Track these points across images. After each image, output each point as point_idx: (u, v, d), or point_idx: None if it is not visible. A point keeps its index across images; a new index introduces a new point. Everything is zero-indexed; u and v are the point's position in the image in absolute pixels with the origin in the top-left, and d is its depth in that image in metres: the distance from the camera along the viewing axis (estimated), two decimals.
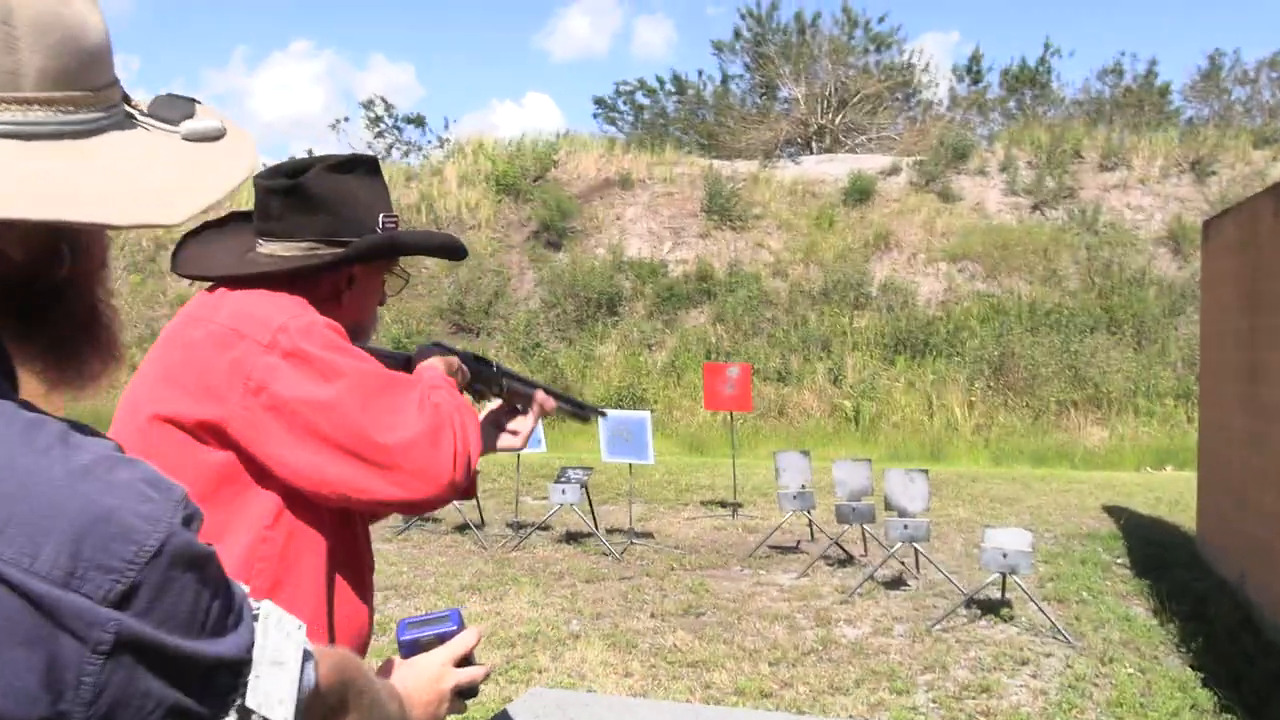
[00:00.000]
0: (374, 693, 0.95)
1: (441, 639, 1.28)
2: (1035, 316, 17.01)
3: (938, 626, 5.72)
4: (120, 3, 67.20)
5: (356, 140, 29.78)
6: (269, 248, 1.61)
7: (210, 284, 1.61)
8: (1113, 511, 9.32)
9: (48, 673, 0.62)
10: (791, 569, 7.15)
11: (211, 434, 1.43)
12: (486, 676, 1.31)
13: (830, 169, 21.26)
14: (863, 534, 7.53)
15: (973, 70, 26.11)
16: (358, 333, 1.66)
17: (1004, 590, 6.11)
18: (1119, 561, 7.45)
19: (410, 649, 1.28)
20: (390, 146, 28.51)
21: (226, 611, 0.72)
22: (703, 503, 9.79)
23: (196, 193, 0.75)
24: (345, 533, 1.57)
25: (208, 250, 1.66)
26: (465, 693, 1.27)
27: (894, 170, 20.61)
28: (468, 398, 1.85)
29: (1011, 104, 25.43)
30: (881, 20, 25.62)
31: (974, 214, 19.55)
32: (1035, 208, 19.29)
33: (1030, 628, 5.72)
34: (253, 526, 1.45)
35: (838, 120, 24.20)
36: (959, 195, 19.88)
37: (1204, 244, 7.98)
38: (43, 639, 0.62)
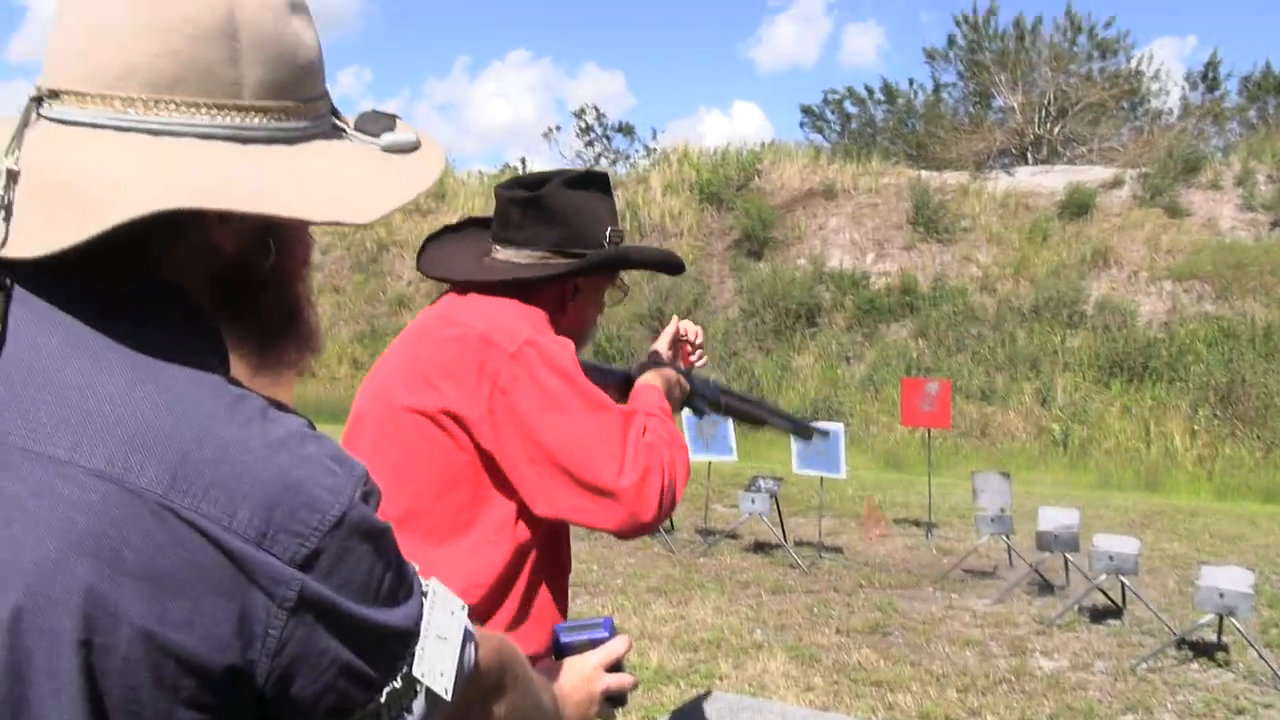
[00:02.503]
0: (530, 680, 0.99)
1: (594, 644, 1.32)
2: (1271, 342, 15.75)
3: (1144, 666, 5.39)
4: (353, 20, 71.43)
5: (567, 149, 30.63)
6: (505, 254, 1.73)
7: (450, 285, 1.75)
8: None
9: (240, 622, 0.68)
10: (986, 594, 6.89)
11: (460, 428, 1.55)
12: (635, 686, 1.35)
13: (1046, 181, 20.37)
14: (1065, 563, 7.18)
15: (1208, 77, 24.47)
16: (578, 339, 1.76)
17: (1220, 633, 5.69)
18: None
19: (564, 652, 1.32)
20: (599, 155, 29.19)
21: (399, 584, 0.77)
22: (896, 520, 9.56)
23: (386, 196, 0.81)
24: (556, 540, 1.66)
25: (446, 252, 1.81)
26: (615, 699, 1.31)
27: (1116, 183, 19.56)
28: (686, 414, 1.94)
29: (1252, 113, 23.68)
30: (1109, 25, 24.28)
31: (1204, 230, 18.31)
32: (1275, 224, 17.88)
33: (1249, 675, 5.31)
34: (489, 528, 1.56)
35: (1056, 130, 23.16)
36: (1188, 210, 18.66)
37: None
38: (238, 591, 0.68)
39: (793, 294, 18.63)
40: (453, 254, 1.80)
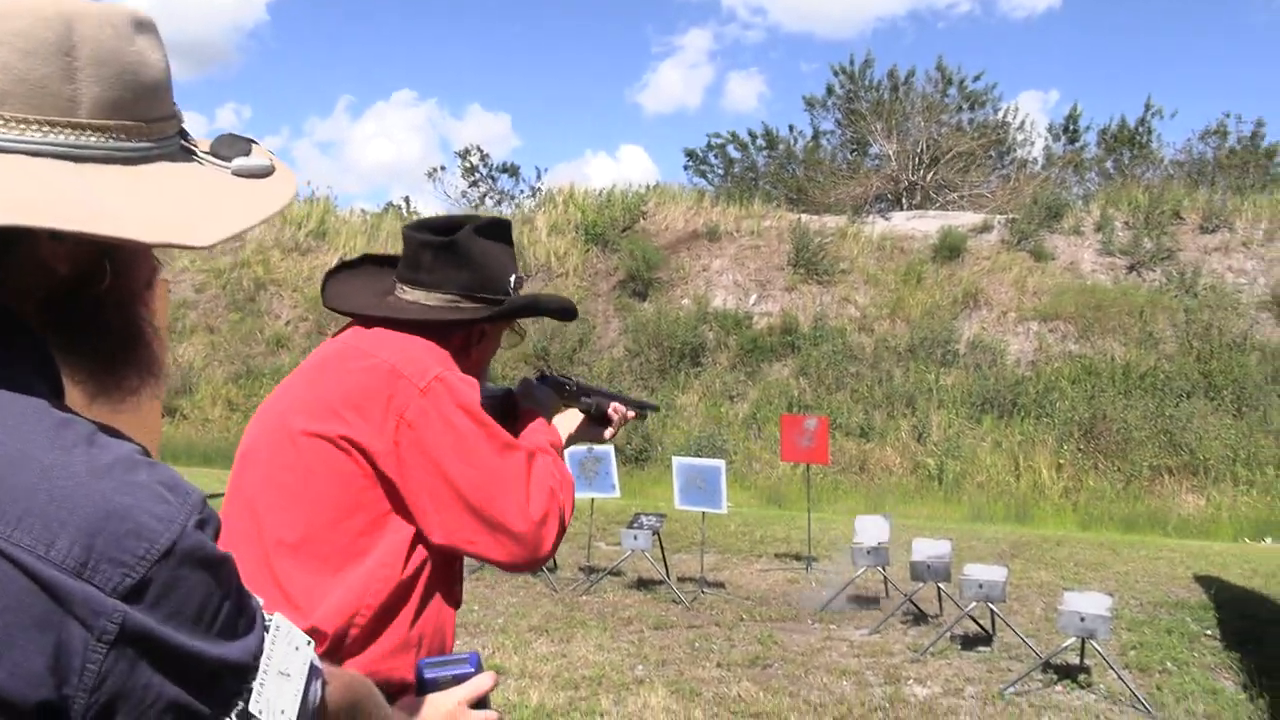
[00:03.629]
0: (385, 718, 0.97)
1: (458, 680, 1.32)
2: (1130, 379, 16.57)
3: (1011, 689, 5.56)
4: (231, 56, 70.00)
5: (452, 189, 30.49)
6: (412, 295, 1.75)
7: (354, 319, 1.76)
8: (1204, 581, 8.98)
9: (55, 656, 0.65)
10: (864, 625, 7.02)
11: (363, 456, 1.55)
12: None
13: (920, 225, 21.10)
14: (938, 593, 7.37)
15: (1070, 129, 25.75)
16: (477, 379, 1.77)
17: (1083, 656, 5.91)
18: (1208, 633, 7.16)
19: (426, 688, 1.31)
20: (484, 195, 29.13)
21: (237, 616, 0.74)
22: (777, 555, 9.69)
23: (228, 220, 0.79)
24: (449, 572, 1.66)
25: (349, 288, 1.82)
26: None
27: (986, 228, 20.38)
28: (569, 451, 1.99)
29: (1109, 164, 24.97)
30: (977, 78, 25.37)
31: (1067, 273, 19.19)
32: (1132, 269, 18.86)
33: (1109, 696, 5.52)
34: (383, 554, 1.55)
35: (929, 177, 24.03)
36: (1052, 254, 19.54)
37: None
38: (53, 623, 0.65)
39: (677, 333, 18.83)
40: (356, 290, 1.82)
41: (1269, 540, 12.81)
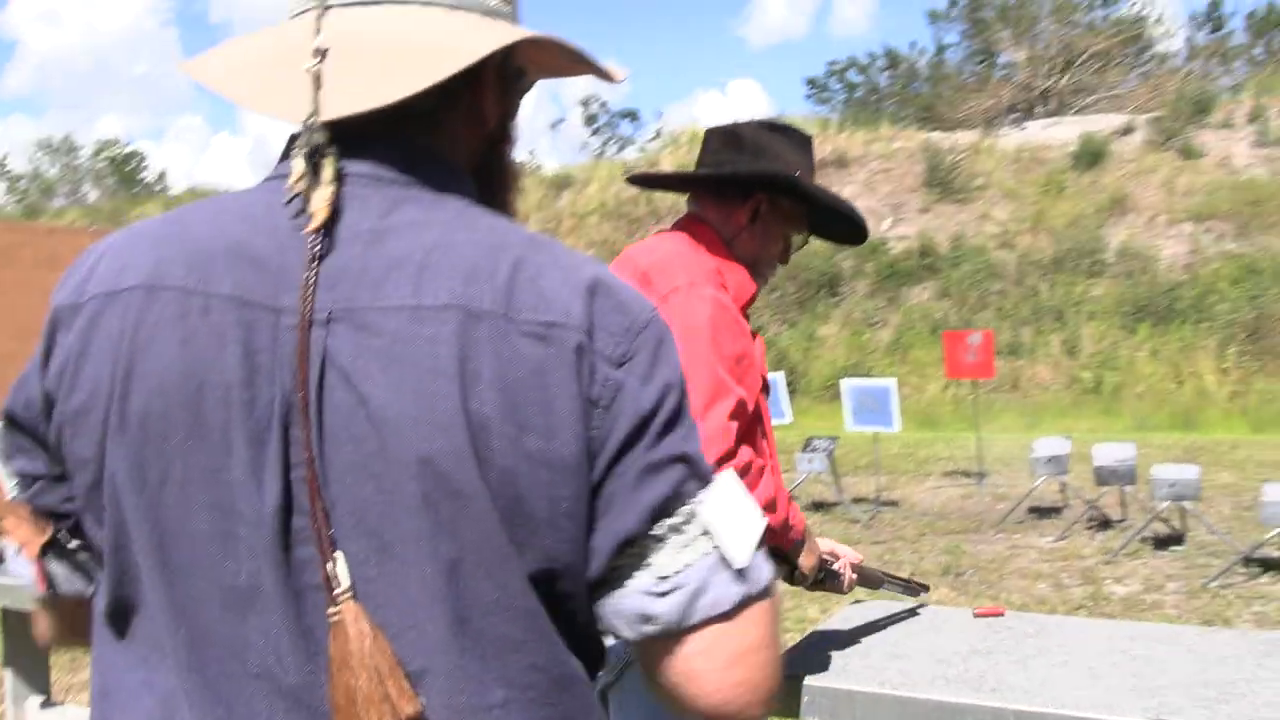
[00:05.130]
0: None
1: None
2: None
3: (1215, 583, 5.56)
4: None
5: (574, 139, 30.75)
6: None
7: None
8: None
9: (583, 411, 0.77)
10: (1049, 533, 7.06)
11: None
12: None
13: (1058, 133, 20.46)
14: (1121, 498, 7.34)
15: (1213, 17, 24.44)
16: (755, 269, 1.95)
17: None
18: None
19: None
20: (606, 142, 29.33)
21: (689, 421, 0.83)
22: (945, 473, 9.73)
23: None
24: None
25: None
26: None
27: (1128, 130, 19.64)
28: None
29: (1259, 50, 23.66)
30: None
31: (1220, 170, 18.38)
32: None
33: None
34: None
35: (1064, 82, 23.20)
36: (1202, 152, 18.73)
37: None
38: (581, 384, 0.77)
39: (813, 264, 18.76)
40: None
41: None
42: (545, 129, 66.96)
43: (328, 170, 0.78)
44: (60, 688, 4.52)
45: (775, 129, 1.95)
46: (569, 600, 0.78)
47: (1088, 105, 22.86)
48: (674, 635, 0.78)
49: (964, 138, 20.96)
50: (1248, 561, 5.81)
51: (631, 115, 29.74)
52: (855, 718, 2.01)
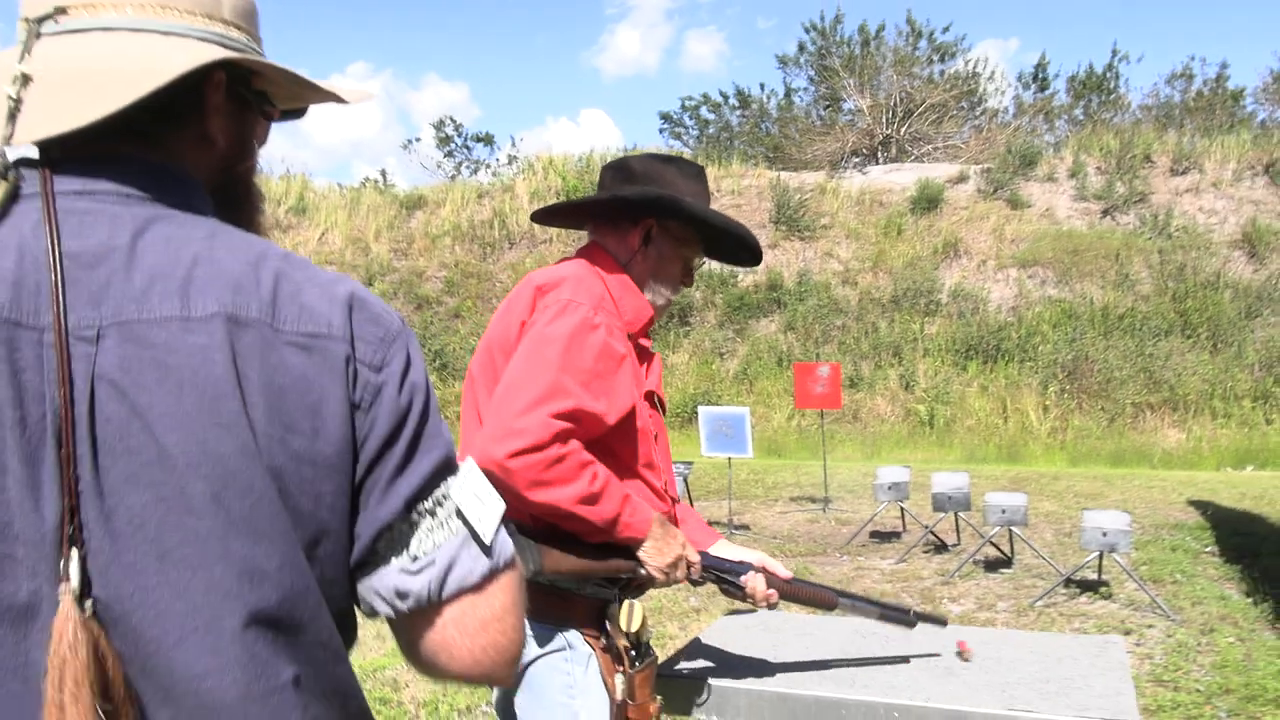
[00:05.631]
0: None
1: None
2: (1109, 320, 17.08)
3: (1040, 602, 5.99)
4: None
5: (428, 159, 30.52)
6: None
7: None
8: (1198, 505, 9.47)
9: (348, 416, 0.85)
10: (889, 556, 7.44)
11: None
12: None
13: (898, 178, 21.47)
14: (956, 522, 7.80)
15: (1039, 77, 26.17)
16: (653, 291, 2.08)
17: (1100, 571, 6.35)
18: (1208, 550, 7.63)
19: None
20: (460, 165, 29.20)
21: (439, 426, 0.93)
22: (792, 498, 10.10)
23: (347, 93, 1.02)
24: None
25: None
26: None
27: (961, 178, 20.78)
28: None
29: (1079, 111, 25.45)
30: (946, 30, 25.82)
31: (1043, 220, 19.64)
32: (1106, 213, 19.34)
33: (1130, 603, 5.97)
34: None
35: (903, 130, 24.40)
36: (1028, 202, 19.99)
37: None
38: (343, 387, 0.84)
39: None
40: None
41: (1251, 468, 13.37)
42: (396, 148, 65.99)
43: (28, 186, 0.83)
44: None
45: (666, 160, 2.11)
46: (333, 585, 0.85)
47: (925, 153, 24.12)
48: (429, 609, 0.87)
49: (810, 178, 21.78)
50: (1069, 583, 6.28)
51: (486, 139, 29.66)
52: (741, 713, 2.16)
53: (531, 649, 1.93)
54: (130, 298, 0.80)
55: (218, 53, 0.88)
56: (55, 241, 0.80)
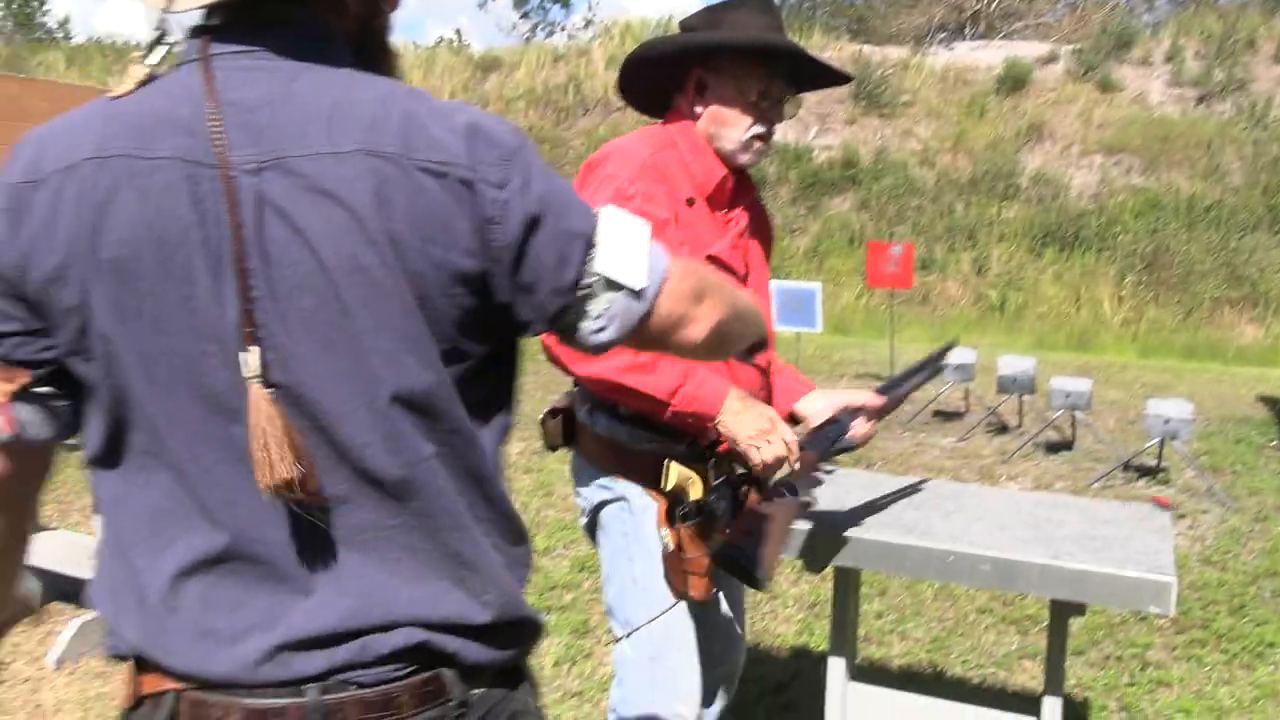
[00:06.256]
0: (725, 283, 1.23)
1: None
2: (1194, 212, 16.65)
3: (1097, 483, 6.14)
4: None
5: (503, 20, 30.12)
6: None
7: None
8: (1267, 401, 9.44)
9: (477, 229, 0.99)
10: (951, 434, 7.60)
11: None
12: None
13: (984, 56, 20.83)
14: (1019, 405, 7.90)
15: None
16: (722, 146, 2.06)
17: (1160, 458, 6.46)
18: (1272, 444, 7.66)
19: None
20: (535, 26, 28.84)
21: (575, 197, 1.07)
22: (857, 375, 10.25)
23: None
24: None
25: None
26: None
27: (1051, 58, 20.09)
28: None
29: None
30: None
31: (1134, 105, 19.01)
32: (1201, 100, 18.65)
33: (1186, 489, 6.09)
34: None
35: (993, 5, 23.52)
36: (1119, 85, 19.32)
37: None
38: (470, 207, 0.98)
39: None
40: None
41: None
42: (470, 7, 64.94)
43: (155, 54, 1.00)
44: (50, 513, 4.71)
45: (723, 5, 2.05)
46: (472, 372, 1.02)
47: (1015, 31, 23.29)
48: (626, 338, 1.07)
49: (894, 53, 21.22)
50: (1126, 467, 6.40)
51: (563, 1, 29.18)
52: (816, 554, 2.37)
53: (600, 494, 2.13)
54: (285, 137, 0.94)
55: None
56: (213, 92, 0.95)
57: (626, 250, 1.04)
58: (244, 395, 0.93)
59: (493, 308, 1.01)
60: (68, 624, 3.60)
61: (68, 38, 31.14)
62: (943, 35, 23.50)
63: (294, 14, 1.01)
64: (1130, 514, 2.64)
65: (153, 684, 1.01)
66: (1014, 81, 19.62)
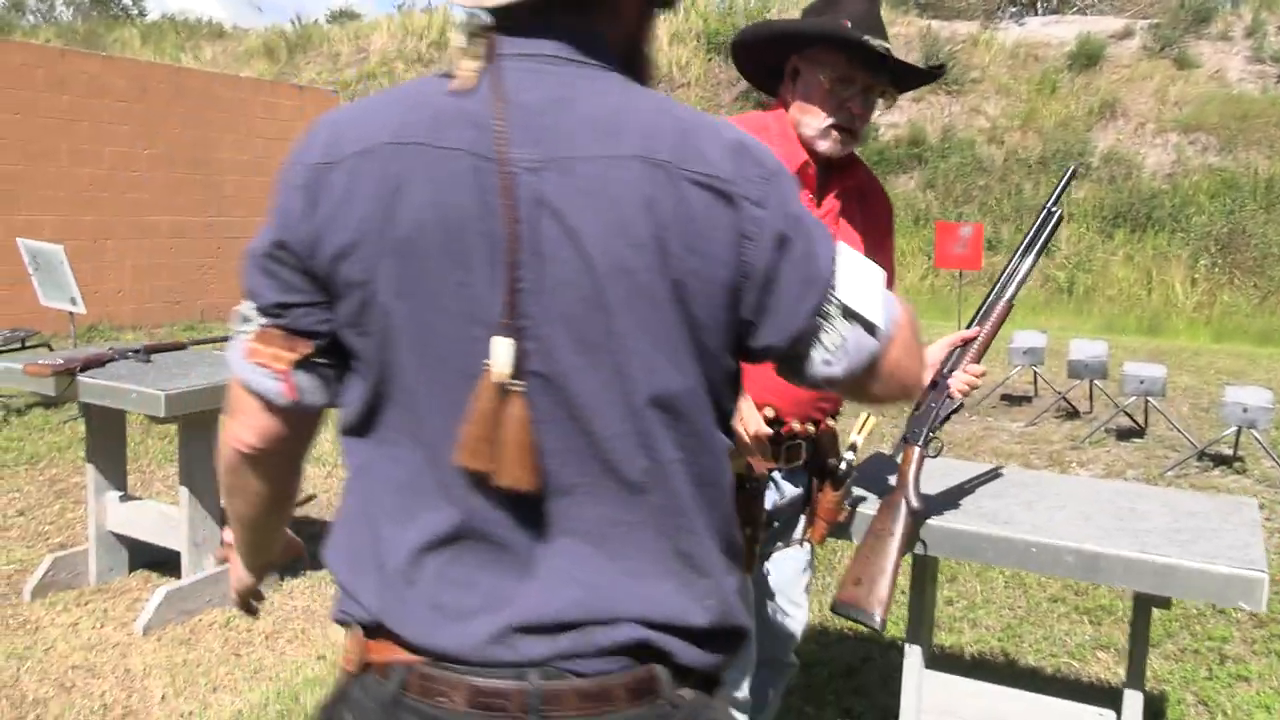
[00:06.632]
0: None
1: None
2: (1272, 193, 16.18)
3: (1171, 472, 6.03)
4: None
5: None
6: None
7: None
8: None
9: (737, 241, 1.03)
10: (1019, 419, 7.51)
11: None
12: None
13: (1057, 31, 20.39)
14: (1090, 390, 7.78)
15: None
16: (806, 132, 2.09)
17: (1236, 448, 6.33)
18: None
19: None
20: None
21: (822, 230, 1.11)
22: None
23: None
24: None
25: None
26: None
27: (1126, 34, 19.61)
28: None
29: None
30: None
31: (1212, 82, 18.50)
32: None
33: (1264, 479, 5.96)
34: None
35: None
36: (1197, 62, 18.80)
37: None
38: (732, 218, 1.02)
39: None
40: None
41: None
42: None
43: (479, 48, 1.03)
44: (134, 484, 4.86)
45: None
46: (713, 385, 1.06)
47: (1089, 5, 22.75)
48: (849, 379, 1.10)
49: (963, 28, 20.86)
50: (1202, 455, 6.28)
51: None
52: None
53: None
54: (565, 139, 0.99)
55: None
56: (502, 91, 1.00)
57: (865, 287, 1.08)
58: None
59: (740, 323, 1.05)
60: (154, 592, 3.71)
61: (142, 14, 31.75)
62: (1014, 9, 23.01)
63: (577, 23, 1.05)
64: (1217, 506, 2.59)
65: (382, 652, 1.05)
66: (1087, 58, 19.19)
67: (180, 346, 4.04)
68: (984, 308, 2.16)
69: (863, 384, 1.12)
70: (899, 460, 2.24)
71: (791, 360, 1.09)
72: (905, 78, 2.19)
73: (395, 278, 0.99)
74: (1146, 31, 19.41)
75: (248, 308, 1.07)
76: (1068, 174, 2.22)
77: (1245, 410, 5.78)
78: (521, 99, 1.00)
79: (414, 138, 1.00)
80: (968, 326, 2.18)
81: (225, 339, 4.74)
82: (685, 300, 1.00)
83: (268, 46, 25.21)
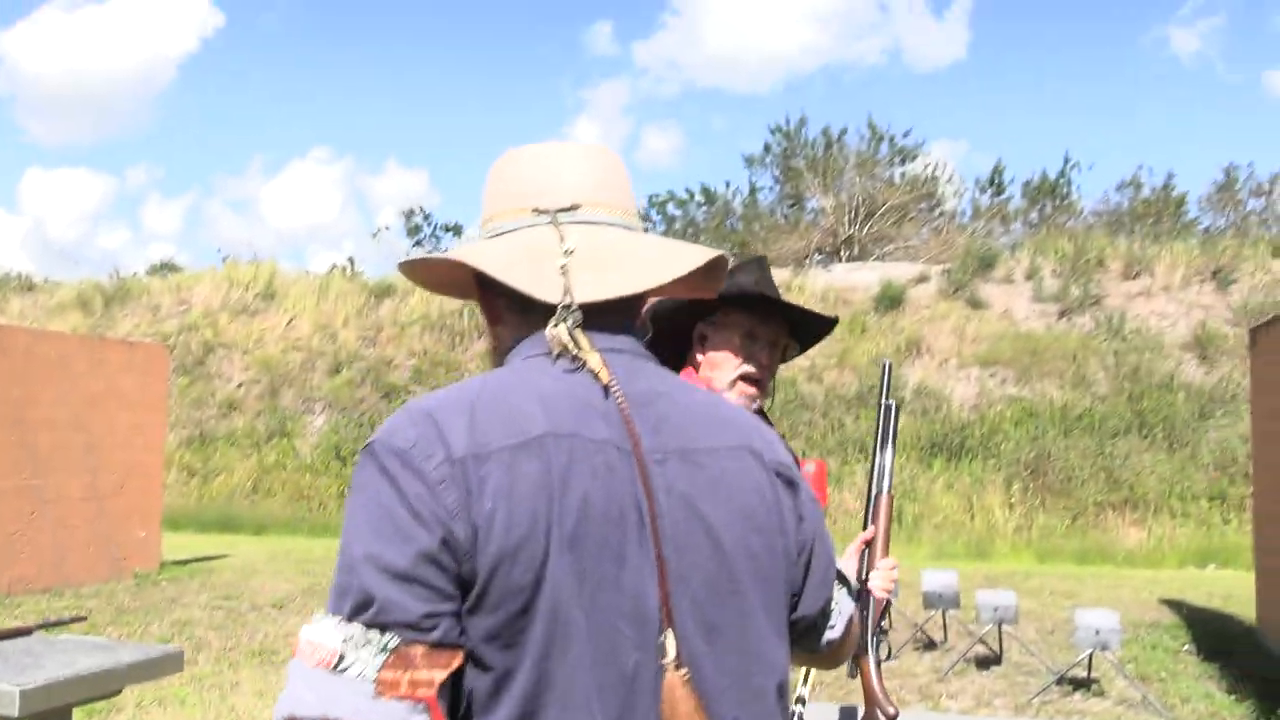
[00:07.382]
0: None
1: None
2: (1068, 420, 17.51)
3: (1037, 699, 6.15)
4: (143, 117, 68.82)
5: (395, 248, 30.77)
6: None
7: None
8: (1170, 604, 9.72)
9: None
10: (880, 652, 7.54)
11: None
12: None
13: (861, 277, 22.03)
14: (943, 619, 7.95)
15: (995, 182, 27.15)
16: (713, 386, 2.13)
17: (1090, 669, 6.53)
18: (1185, 649, 7.84)
19: None
20: (430, 254, 29.43)
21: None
22: None
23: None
24: None
25: None
26: None
27: (923, 278, 21.37)
28: None
29: (1033, 215, 26.38)
30: (906, 135, 26.70)
31: (1003, 320, 20.22)
32: (1062, 314, 19.95)
33: (1123, 701, 6.14)
34: None
35: (865, 230, 25.11)
36: (987, 303, 20.57)
37: (1252, 348, 8.58)
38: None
39: None
40: None
41: (1213, 567, 13.69)
42: (355, 233, 66.13)
43: (584, 341, 1.04)
44: None
45: (732, 269, 2.14)
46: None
47: (887, 253, 24.83)
48: (844, 632, 1.25)
49: (776, 275, 22.24)
50: (1060, 680, 6.45)
51: (455, 229, 30.04)
52: None
53: None
54: (678, 430, 1.04)
55: (711, 253, 1.14)
56: (617, 383, 1.03)
57: (842, 565, 1.25)
58: (647, 679, 0.96)
59: (791, 598, 1.12)
60: None
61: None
62: (820, 257, 24.86)
63: (632, 323, 1.13)
64: None
65: None
66: (890, 300, 20.73)
67: (25, 632, 3.66)
68: (869, 508, 2.27)
69: (840, 641, 1.25)
70: (858, 679, 2.21)
71: (811, 631, 1.17)
72: (805, 331, 2.33)
73: (572, 573, 0.93)
74: (941, 276, 21.22)
75: (363, 631, 0.90)
76: (885, 367, 2.39)
77: (1098, 633, 6.01)
78: (629, 390, 1.04)
79: (570, 429, 0.99)
80: (863, 528, 2.24)
81: (61, 622, 4.32)
82: (787, 580, 1.08)
83: (82, 299, 24.54)
